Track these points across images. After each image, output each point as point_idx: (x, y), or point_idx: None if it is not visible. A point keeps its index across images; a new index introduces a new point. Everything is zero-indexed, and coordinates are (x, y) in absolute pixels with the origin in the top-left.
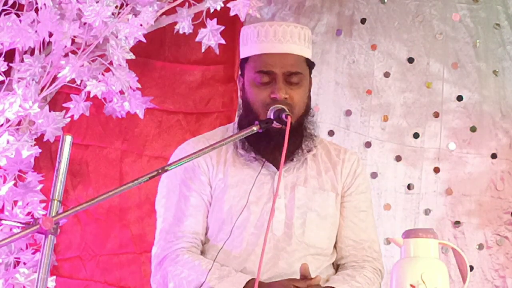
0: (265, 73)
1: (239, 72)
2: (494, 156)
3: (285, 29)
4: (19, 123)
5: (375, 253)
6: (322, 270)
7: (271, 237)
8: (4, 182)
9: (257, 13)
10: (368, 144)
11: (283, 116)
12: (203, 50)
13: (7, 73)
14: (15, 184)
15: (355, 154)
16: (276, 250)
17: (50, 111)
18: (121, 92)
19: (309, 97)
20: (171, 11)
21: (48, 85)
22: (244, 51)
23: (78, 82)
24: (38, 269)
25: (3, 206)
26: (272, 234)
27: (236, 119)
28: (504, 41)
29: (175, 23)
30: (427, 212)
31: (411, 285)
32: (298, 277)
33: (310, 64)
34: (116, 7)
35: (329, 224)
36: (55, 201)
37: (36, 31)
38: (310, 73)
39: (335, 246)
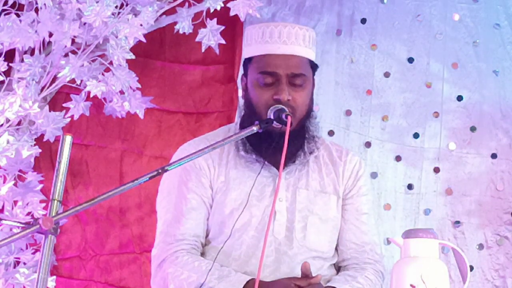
0: (268, 74)
1: (242, 72)
2: (494, 156)
3: (290, 31)
4: (19, 123)
5: (377, 256)
6: (323, 270)
7: (273, 241)
8: (4, 182)
9: (257, 13)
10: (368, 144)
11: (283, 116)
12: (203, 50)
13: (7, 73)
14: (15, 184)
15: (357, 155)
16: (277, 253)
17: (50, 111)
18: (121, 92)
19: (311, 100)
20: (171, 11)
21: (48, 85)
22: (248, 51)
23: (78, 82)
24: (38, 269)
25: (3, 206)
26: (274, 238)
27: (237, 119)
28: (504, 41)
29: (175, 23)
30: (427, 212)
31: (411, 285)
32: None
33: (313, 66)
34: (116, 7)
35: (330, 228)
36: (55, 201)
37: (36, 31)
38: (314, 75)
39: (336, 248)
